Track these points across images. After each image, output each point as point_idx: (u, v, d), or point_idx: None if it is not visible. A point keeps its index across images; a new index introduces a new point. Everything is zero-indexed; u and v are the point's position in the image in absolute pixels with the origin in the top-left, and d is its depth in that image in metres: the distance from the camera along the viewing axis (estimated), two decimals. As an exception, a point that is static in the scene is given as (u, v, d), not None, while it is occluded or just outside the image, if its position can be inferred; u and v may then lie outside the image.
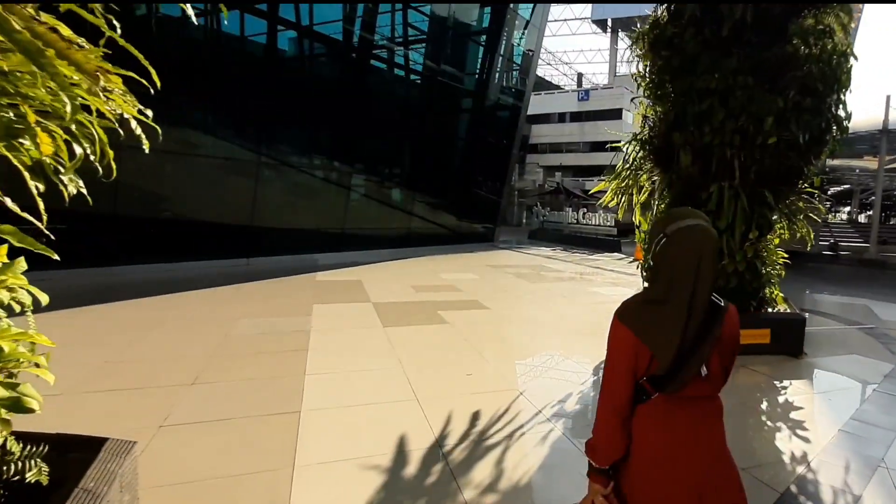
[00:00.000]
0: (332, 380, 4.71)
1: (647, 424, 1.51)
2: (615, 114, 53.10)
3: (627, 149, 7.12)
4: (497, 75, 19.99)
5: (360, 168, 15.49)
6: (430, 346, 5.90)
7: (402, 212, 17.13)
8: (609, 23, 64.48)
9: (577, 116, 54.71)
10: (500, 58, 19.66)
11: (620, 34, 66.61)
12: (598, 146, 53.59)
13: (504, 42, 19.58)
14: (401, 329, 6.62)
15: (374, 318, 7.15)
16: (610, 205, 7.26)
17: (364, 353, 5.57)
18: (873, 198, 21.45)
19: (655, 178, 6.83)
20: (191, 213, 11.60)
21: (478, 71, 19.46)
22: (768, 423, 4.38)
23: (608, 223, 22.62)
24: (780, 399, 4.94)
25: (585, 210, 26.14)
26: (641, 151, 6.75)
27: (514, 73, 21.95)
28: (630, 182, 6.89)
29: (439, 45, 17.55)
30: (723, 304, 1.53)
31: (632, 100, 7.83)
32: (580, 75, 70.94)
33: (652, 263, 1.56)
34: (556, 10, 54.49)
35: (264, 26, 12.28)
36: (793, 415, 4.47)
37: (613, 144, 8.01)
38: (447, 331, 6.61)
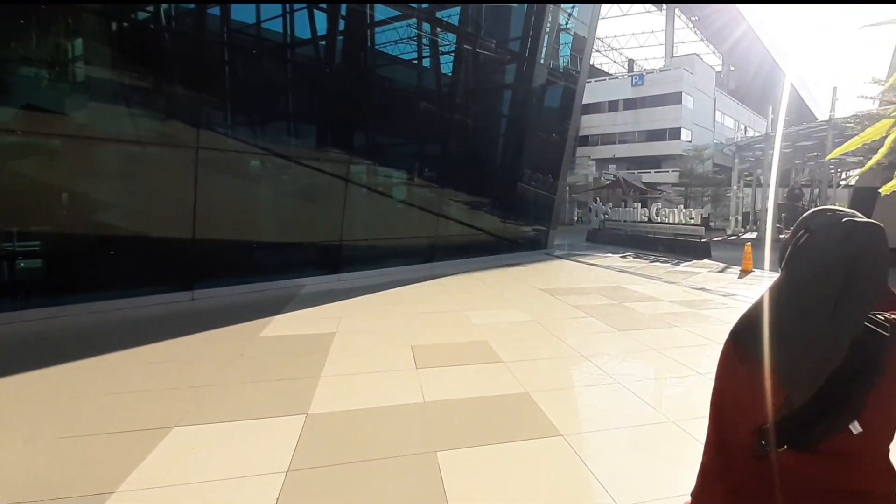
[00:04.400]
0: None
1: (767, 492, 1.05)
2: (674, 98, 47.64)
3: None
4: (546, 49, 15.59)
5: (365, 157, 11.35)
6: None
7: (429, 214, 12.84)
8: (665, -2, 58.65)
9: (630, 104, 49.77)
10: (549, 24, 15.17)
11: (677, 11, 60.70)
12: (656, 135, 48.37)
13: (550, 16, 15.23)
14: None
15: None
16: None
17: None
18: None
19: None
20: (98, 225, 7.68)
21: (521, 38, 15.08)
22: None
23: (692, 220, 17.60)
24: None
25: (659, 204, 21.14)
26: None
27: (565, 55, 17.59)
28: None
29: (476, 9, 13.21)
30: (887, 332, 0.98)
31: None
32: (631, 62, 65.32)
33: (782, 267, 1.08)
34: (607, -17, 49.57)
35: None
36: None
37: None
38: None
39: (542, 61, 15.43)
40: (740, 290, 10.26)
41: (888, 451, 1.02)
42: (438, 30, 12.68)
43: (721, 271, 13.41)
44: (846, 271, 0.96)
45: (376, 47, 11.55)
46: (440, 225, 12.87)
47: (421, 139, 13.01)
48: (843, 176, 33.62)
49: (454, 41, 12.89)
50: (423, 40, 12.53)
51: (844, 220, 1.01)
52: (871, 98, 18.01)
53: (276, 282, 9.44)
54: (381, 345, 6.01)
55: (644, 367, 5.33)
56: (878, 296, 1.00)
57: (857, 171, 36.52)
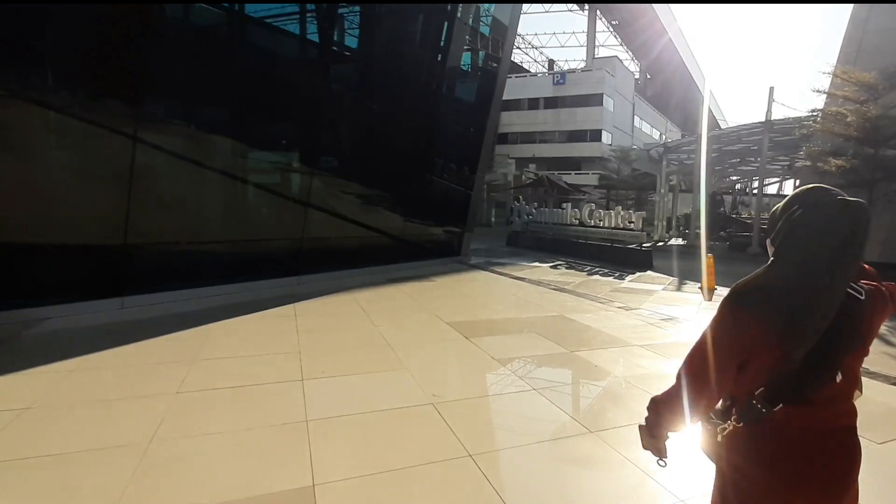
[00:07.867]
0: None
1: (769, 447, 1.20)
2: (596, 99, 46.16)
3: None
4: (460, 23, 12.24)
5: (168, 112, 7.33)
6: None
7: (292, 204, 8.89)
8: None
9: (552, 102, 47.70)
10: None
11: (598, 13, 59.85)
12: (577, 135, 46.63)
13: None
14: None
15: None
16: None
17: None
18: None
19: None
20: None
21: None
22: None
23: (631, 223, 14.85)
24: None
25: (593, 206, 18.36)
26: None
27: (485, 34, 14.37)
28: None
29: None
30: (862, 296, 1.19)
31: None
32: (551, 62, 63.98)
33: (778, 242, 1.24)
34: (530, -24, 47.52)
35: None
36: None
37: None
38: None
39: (459, 38, 12.01)
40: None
41: (853, 393, 1.25)
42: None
43: (678, 289, 10.54)
44: (845, 239, 1.12)
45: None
46: (310, 221, 8.98)
47: (280, 96, 8.99)
48: (752, 185, 32.91)
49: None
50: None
51: (838, 197, 1.17)
52: (822, 92, 16.19)
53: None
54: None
55: None
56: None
57: (775, 179, 36.34)
